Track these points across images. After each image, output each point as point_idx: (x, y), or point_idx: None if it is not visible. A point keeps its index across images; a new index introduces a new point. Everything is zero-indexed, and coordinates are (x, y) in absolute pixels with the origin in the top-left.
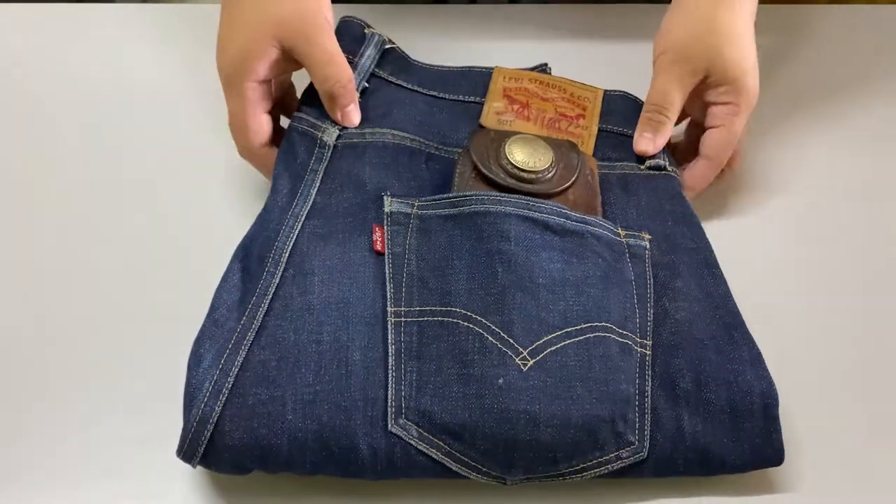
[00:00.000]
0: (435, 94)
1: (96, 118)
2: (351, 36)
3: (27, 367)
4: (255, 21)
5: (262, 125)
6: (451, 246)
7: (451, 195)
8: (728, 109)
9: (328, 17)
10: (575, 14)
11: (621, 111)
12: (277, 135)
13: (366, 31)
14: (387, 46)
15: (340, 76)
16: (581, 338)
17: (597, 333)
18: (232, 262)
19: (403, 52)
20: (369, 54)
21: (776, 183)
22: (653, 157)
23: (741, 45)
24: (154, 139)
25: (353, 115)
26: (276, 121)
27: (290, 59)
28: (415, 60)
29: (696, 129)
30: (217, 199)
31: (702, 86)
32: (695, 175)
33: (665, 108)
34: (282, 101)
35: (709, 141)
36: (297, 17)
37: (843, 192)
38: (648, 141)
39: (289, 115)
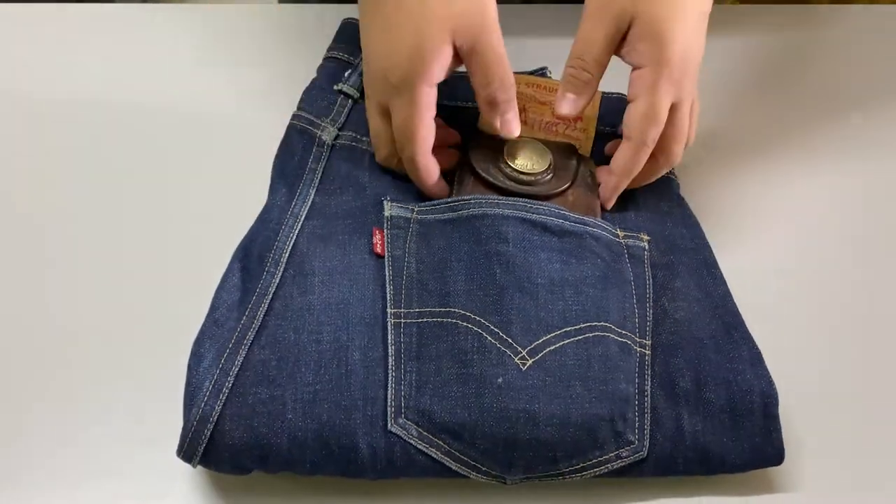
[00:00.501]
0: None
1: (96, 119)
2: (352, 38)
3: (28, 368)
4: (428, 19)
5: (431, 131)
6: (449, 248)
7: (450, 200)
8: (646, 75)
9: (495, 12)
10: (575, 14)
11: (619, 112)
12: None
13: None
14: None
15: (505, 80)
16: (580, 337)
17: (596, 333)
18: (232, 262)
19: None
20: None
21: (776, 182)
22: None
23: (675, 1)
24: (154, 139)
25: (514, 125)
26: (438, 132)
27: (458, 60)
28: None
29: None
30: (218, 199)
31: (625, 41)
32: (618, 158)
33: (586, 59)
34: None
35: (628, 118)
36: (471, 14)
37: (844, 191)
38: (570, 102)
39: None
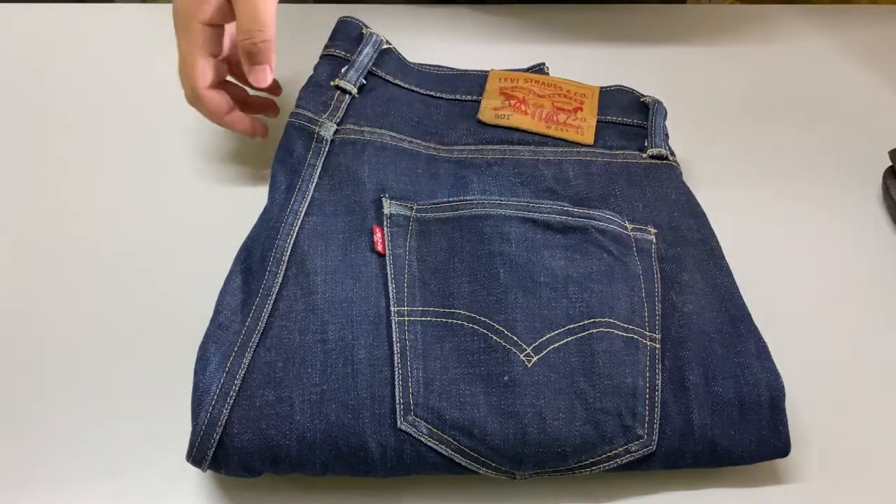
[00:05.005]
0: (432, 94)
1: (96, 119)
2: (349, 35)
3: (32, 371)
4: None
5: (207, 66)
6: (451, 249)
7: (450, 199)
8: None
9: None
10: (575, 14)
11: (619, 103)
12: (227, 86)
13: (363, 31)
14: (384, 47)
15: (252, 25)
16: (583, 333)
17: (600, 329)
18: (234, 263)
19: (400, 55)
20: (367, 52)
21: (777, 179)
22: (655, 145)
23: None
24: (155, 140)
25: (263, 75)
26: (223, 73)
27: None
28: (411, 63)
29: None
30: (221, 201)
31: None
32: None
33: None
34: (232, 63)
35: None
36: None
37: (847, 186)
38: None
39: (239, 78)
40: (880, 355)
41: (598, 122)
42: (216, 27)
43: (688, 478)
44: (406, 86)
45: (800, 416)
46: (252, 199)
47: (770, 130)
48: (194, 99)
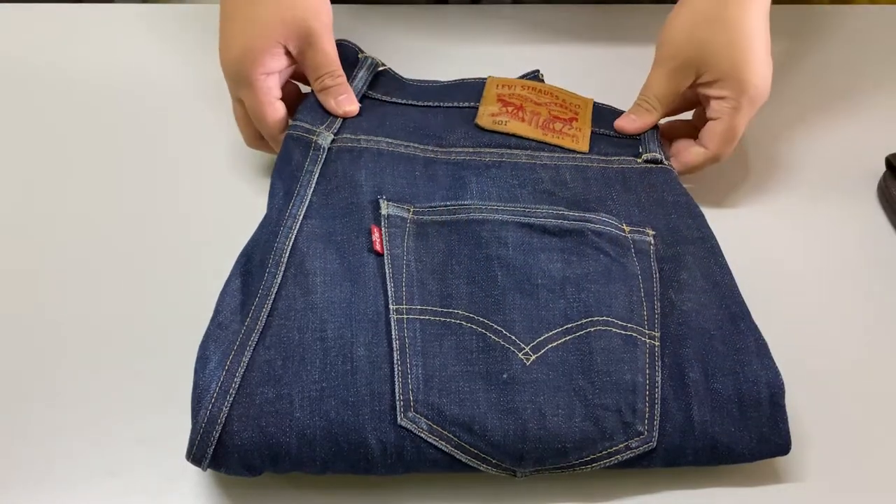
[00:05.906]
0: (430, 104)
1: (96, 119)
2: (345, 59)
3: (32, 371)
4: (258, 21)
5: (279, 110)
6: (449, 252)
7: (447, 203)
8: (726, 104)
9: (326, 18)
10: (574, 14)
11: (611, 121)
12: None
13: (360, 55)
14: (380, 69)
15: (334, 72)
16: (581, 332)
17: (598, 328)
18: (234, 267)
19: (396, 74)
20: (362, 76)
21: (779, 176)
22: (649, 150)
23: (740, 40)
24: (154, 141)
25: (348, 104)
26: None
27: (291, 56)
28: (408, 80)
29: (703, 119)
30: (220, 202)
31: (700, 81)
32: (688, 160)
33: (650, 97)
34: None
35: (708, 132)
36: (300, 21)
37: (847, 186)
38: (630, 120)
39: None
40: (880, 354)
41: (591, 132)
42: (275, 74)
43: (688, 477)
44: (402, 101)
45: (800, 415)
46: (252, 207)
47: (769, 130)
48: (274, 143)
